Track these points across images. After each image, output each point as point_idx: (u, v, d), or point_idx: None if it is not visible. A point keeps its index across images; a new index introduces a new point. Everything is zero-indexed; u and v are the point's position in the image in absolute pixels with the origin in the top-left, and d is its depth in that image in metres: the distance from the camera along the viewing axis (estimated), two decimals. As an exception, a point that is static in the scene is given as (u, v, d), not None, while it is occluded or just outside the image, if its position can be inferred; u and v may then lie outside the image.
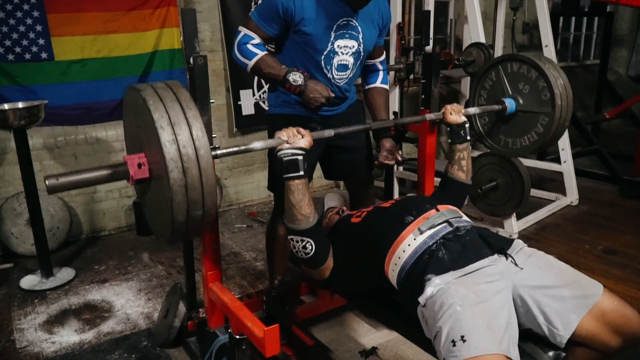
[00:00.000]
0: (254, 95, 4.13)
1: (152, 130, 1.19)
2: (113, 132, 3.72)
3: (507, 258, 1.48)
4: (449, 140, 1.97)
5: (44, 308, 2.79)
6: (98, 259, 3.41)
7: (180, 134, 1.19)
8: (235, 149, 1.50)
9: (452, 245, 1.47)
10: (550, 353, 1.43)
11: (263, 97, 4.14)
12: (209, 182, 1.22)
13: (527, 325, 1.45)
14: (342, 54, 1.96)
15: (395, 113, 3.74)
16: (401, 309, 1.69)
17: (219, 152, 1.45)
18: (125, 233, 3.85)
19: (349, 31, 1.94)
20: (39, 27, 3.36)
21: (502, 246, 1.51)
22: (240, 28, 1.94)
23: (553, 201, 4.17)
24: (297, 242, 1.63)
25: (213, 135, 1.71)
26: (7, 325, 2.63)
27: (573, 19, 6.79)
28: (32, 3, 3.30)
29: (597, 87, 6.17)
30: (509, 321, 1.32)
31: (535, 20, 4.54)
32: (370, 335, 2.42)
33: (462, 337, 1.25)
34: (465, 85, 4.62)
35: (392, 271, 1.53)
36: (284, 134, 1.58)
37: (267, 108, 2.22)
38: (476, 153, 3.93)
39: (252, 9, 3.82)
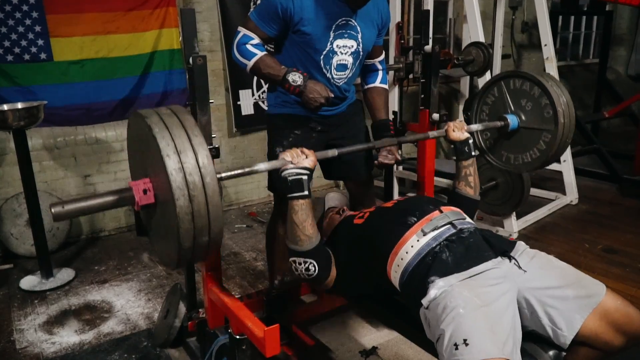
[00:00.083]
0: (253, 95, 4.13)
1: (158, 158, 1.19)
2: (112, 133, 3.71)
3: (510, 260, 1.48)
4: (454, 158, 1.96)
5: (44, 309, 2.79)
6: (98, 259, 3.41)
7: (187, 161, 1.19)
8: (239, 171, 1.49)
9: (455, 247, 1.47)
10: (551, 352, 1.43)
11: (262, 97, 4.14)
12: (216, 209, 1.22)
13: (531, 327, 1.45)
14: (341, 53, 1.96)
15: (394, 112, 3.74)
16: (401, 308, 1.69)
17: (223, 174, 1.44)
18: (125, 233, 3.85)
19: (348, 31, 1.94)
20: (38, 28, 3.36)
21: (505, 249, 1.51)
22: (240, 28, 1.93)
23: (553, 200, 4.18)
24: (300, 264, 1.62)
25: (213, 136, 1.71)
26: (7, 326, 2.63)
27: (572, 17, 6.79)
28: (31, 4, 3.30)
29: (597, 86, 6.17)
30: (513, 324, 1.32)
31: (534, 19, 4.54)
32: (370, 335, 2.42)
33: (465, 340, 1.25)
34: (465, 84, 4.62)
35: (395, 272, 1.52)
36: (287, 155, 1.57)
37: (266, 108, 2.22)
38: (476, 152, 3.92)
39: (251, 9, 3.81)
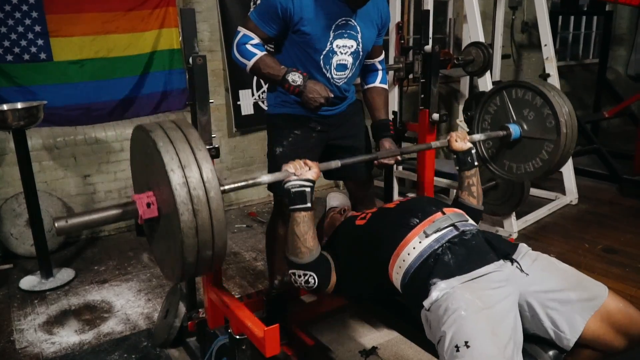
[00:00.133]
0: (253, 95, 4.13)
1: (162, 172, 1.19)
2: (112, 133, 3.71)
3: (512, 263, 1.48)
4: (457, 168, 1.95)
5: (44, 309, 2.79)
6: (98, 259, 3.41)
7: (191, 176, 1.18)
8: (243, 183, 1.49)
9: (457, 249, 1.46)
10: (551, 352, 1.43)
11: (262, 97, 4.14)
12: (220, 223, 1.22)
13: (533, 330, 1.45)
14: (341, 53, 1.96)
15: (394, 112, 3.74)
16: (401, 309, 1.69)
17: (227, 187, 1.44)
18: (125, 234, 3.85)
19: (348, 31, 1.94)
20: (37, 28, 3.36)
21: (508, 251, 1.51)
22: (239, 28, 1.93)
23: (553, 200, 4.18)
24: (300, 276, 1.62)
25: (212, 136, 1.70)
26: (6, 326, 2.62)
27: (572, 17, 6.79)
28: (31, 4, 3.30)
29: (597, 86, 6.17)
30: (514, 327, 1.32)
31: (534, 19, 4.54)
32: (370, 335, 2.42)
33: (466, 342, 1.25)
34: (465, 84, 4.62)
35: (396, 274, 1.52)
36: (291, 167, 1.56)
37: (266, 108, 2.22)
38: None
39: (251, 9, 3.81)
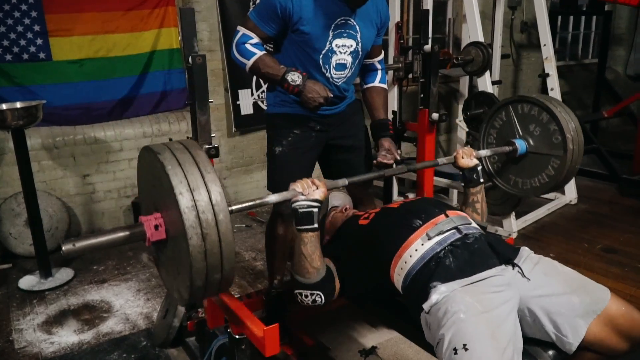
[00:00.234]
0: (252, 94, 4.13)
1: (170, 195, 1.18)
2: (111, 132, 3.71)
3: (513, 268, 1.47)
4: (462, 184, 1.94)
5: (43, 308, 2.78)
6: (97, 259, 3.41)
7: (200, 199, 1.17)
8: (250, 203, 1.48)
9: (459, 252, 1.46)
10: (550, 352, 1.43)
11: (262, 97, 4.14)
12: (228, 247, 1.21)
13: (534, 335, 1.44)
14: (341, 53, 1.96)
15: (394, 112, 3.74)
16: (401, 308, 1.68)
17: (234, 207, 1.42)
18: (124, 233, 3.84)
19: (347, 30, 1.94)
20: (37, 27, 3.35)
21: (509, 256, 1.50)
22: (239, 27, 1.93)
23: (552, 200, 4.18)
24: (306, 296, 1.60)
25: (212, 135, 1.70)
26: (5, 326, 2.62)
27: (571, 17, 6.80)
28: (30, 3, 3.30)
29: (596, 85, 6.17)
30: (514, 332, 1.32)
31: (533, 19, 4.54)
32: (370, 334, 2.42)
33: (465, 345, 1.25)
34: (464, 84, 4.62)
35: (398, 275, 1.52)
36: (298, 186, 1.54)
37: (265, 107, 2.22)
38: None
39: (251, 9, 3.81)
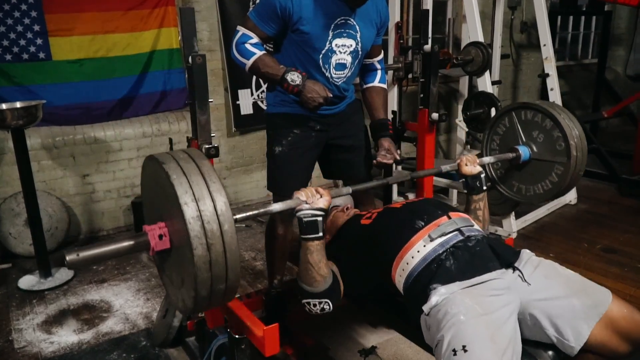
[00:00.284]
0: (252, 94, 4.13)
1: (175, 205, 1.17)
2: (111, 132, 3.71)
3: (514, 271, 1.47)
4: (465, 191, 1.93)
5: (43, 308, 2.78)
6: (97, 259, 3.41)
7: (205, 209, 1.17)
8: (254, 212, 1.47)
9: (461, 254, 1.46)
10: (550, 352, 1.43)
11: (261, 97, 4.14)
12: (233, 256, 1.21)
13: (534, 338, 1.44)
14: (340, 52, 1.96)
15: (393, 112, 3.74)
16: (401, 308, 1.68)
17: (238, 216, 1.41)
18: (124, 233, 3.84)
19: (347, 30, 1.94)
20: (36, 27, 3.35)
21: (510, 260, 1.50)
22: (239, 27, 1.93)
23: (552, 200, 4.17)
24: (315, 305, 1.60)
25: (212, 135, 1.70)
26: (5, 326, 2.62)
27: (571, 17, 6.80)
28: (30, 3, 3.30)
29: (595, 86, 6.17)
30: (513, 335, 1.32)
31: (533, 19, 4.54)
32: (369, 334, 2.42)
33: (464, 347, 1.24)
34: (464, 84, 4.62)
35: (399, 276, 1.52)
36: (302, 194, 1.53)
37: (265, 107, 2.22)
38: (475, 152, 3.92)
39: (250, 9, 3.81)
